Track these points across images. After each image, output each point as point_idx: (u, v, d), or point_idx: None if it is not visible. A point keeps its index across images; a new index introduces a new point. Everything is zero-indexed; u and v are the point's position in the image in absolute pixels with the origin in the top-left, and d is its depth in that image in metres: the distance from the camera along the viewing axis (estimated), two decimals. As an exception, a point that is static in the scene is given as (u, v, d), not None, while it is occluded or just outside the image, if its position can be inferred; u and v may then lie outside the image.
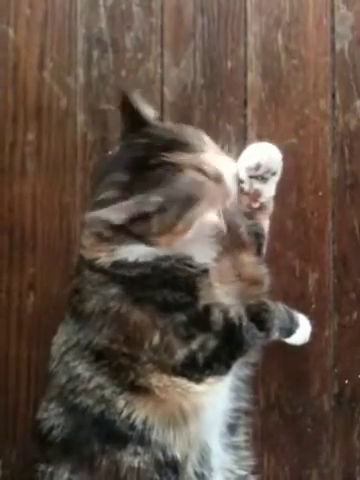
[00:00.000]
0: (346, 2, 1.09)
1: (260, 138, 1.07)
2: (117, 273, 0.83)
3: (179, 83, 1.09)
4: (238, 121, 1.09)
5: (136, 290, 0.83)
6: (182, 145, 0.84)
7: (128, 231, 0.81)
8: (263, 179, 0.88)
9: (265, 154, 0.88)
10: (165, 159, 0.82)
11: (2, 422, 1.08)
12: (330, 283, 1.08)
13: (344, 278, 1.08)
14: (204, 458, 0.86)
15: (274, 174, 0.89)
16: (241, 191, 0.88)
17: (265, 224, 0.93)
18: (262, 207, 0.91)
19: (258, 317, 0.86)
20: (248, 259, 0.90)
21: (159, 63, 1.09)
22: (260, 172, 0.87)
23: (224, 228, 0.85)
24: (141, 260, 0.83)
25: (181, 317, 0.82)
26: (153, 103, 1.07)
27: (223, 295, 0.85)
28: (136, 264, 0.83)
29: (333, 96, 1.09)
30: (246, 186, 0.87)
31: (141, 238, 0.82)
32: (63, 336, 0.88)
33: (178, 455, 0.84)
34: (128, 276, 0.83)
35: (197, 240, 0.84)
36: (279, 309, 0.90)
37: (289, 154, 1.07)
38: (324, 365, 1.07)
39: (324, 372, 1.07)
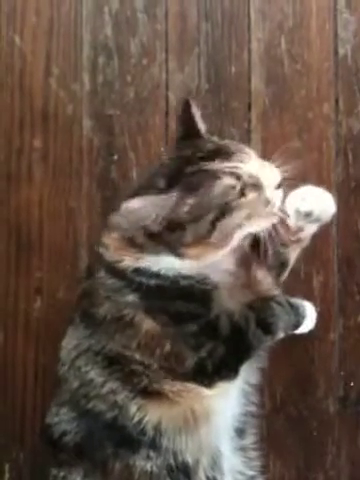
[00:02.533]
0: (349, 7, 1.10)
1: (264, 142, 1.09)
2: (135, 280, 0.83)
3: (184, 88, 1.10)
4: (242, 125, 1.10)
5: (151, 299, 0.83)
6: (223, 155, 0.82)
7: (162, 240, 0.81)
8: (309, 222, 0.89)
9: (320, 204, 0.89)
10: (203, 167, 0.81)
11: (9, 425, 1.09)
12: (335, 286, 1.08)
13: (349, 281, 1.08)
14: (215, 462, 0.87)
15: (321, 220, 0.89)
16: (283, 222, 0.87)
17: (293, 255, 0.93)
18: (299, 241, 0.91)
19: (264, 322, 0.86)
20: (265, 278, 0.89)
21: (164, 68, 1.10)
22: (310, 219, 0.88)
23: (246, 244, 0.86)
24: (163, 272, 0.83)
25: (192, 327, 0.83)
26: (158, 108, 1.09)
27: (232, 304, 0.86)
28: (157, 275, 0.83)
29: (336, 100, 1.10)
30: (291, 222, 0.88)
31: (173, 248, 0.81)
32: (73, 340, 0.88)
33: (190, 460, 0.85)
34: (145, 284, 0.83)
35: (218, 262, 0.84)
36: (285, 310, 0.90)
37: (293, 158, 1.09)
38: (329, 368, 1.08)
39: (329, 375, 1.08)
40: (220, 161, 0.81)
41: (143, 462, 0.83)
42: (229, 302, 0.85)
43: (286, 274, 0.94)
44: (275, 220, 0.83)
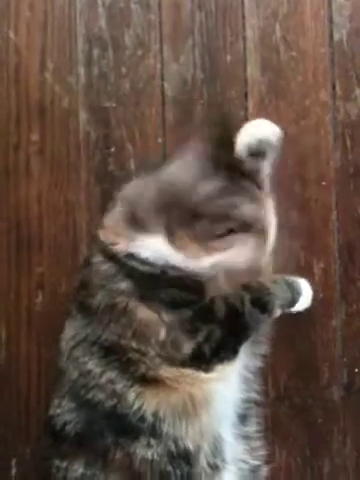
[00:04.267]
0: (343, -8, 1.10)
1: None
2: (128, 265, 0.83)
3: (179, 78, 1.10)
4: (239, 114, 1.09)
5: (144, 286, 0.83)
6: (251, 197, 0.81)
7: (167, 219, 0.79)
8: (263, 155, 0.84)
9: (263, 129, 0.85)
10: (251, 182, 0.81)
11: (14, 420, 1.09)
12: (336, 272, 1.08)
13: (350, 267, 1.08)
14: (217, 448, 0.87)
15: (274, 148, 0.85)
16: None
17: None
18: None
19: (259, 301, 0.86)
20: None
21: (159, 59, 1.10)
22: (262, 148, 0.83)
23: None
24: (152, 260, 0.83)
25: (187, 313, 0.83)
26: (154, 98, 1.09)
27: (227, 288, 0.85)
28: (146, 261, 0.83)
29: (333, 86, 1.09)
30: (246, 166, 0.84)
31: (173, 237, 0.80)
32: (71, 331, 0.88)
33: (191, 446, 0.85)
34: (138, 270, 0.83)
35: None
36: (281, 287, 0.90)
37: (291, 145, 1.08)
38: (333, 355, 1.08)
39: (333, 362, 1.08)
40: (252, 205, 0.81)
41: (143, 450, 0.83)
42: (225, 286, 0.84)
43: None
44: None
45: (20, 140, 1.10)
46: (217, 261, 0.81)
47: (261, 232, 0.82)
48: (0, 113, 1.10)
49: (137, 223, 0.82)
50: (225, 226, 0.79)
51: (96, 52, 1.10)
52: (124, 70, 1.10)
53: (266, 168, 0.87)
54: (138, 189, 0.84)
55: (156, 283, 0.83)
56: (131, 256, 0.83)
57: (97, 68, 1.10)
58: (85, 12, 1.10)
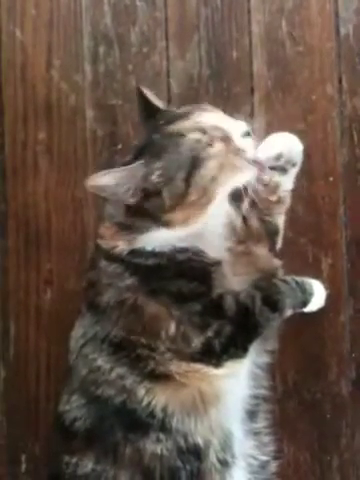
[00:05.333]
0: (349, -14, 1.09)
1: (268, 126, 1.08)
2: (133, 262, 0.84)
3: (185, 75, 1.10)
4: (246, 110, 1.09)
5: (151, 280, 0.84)
6: (183, 116, 0.85)
7: (144, 212, 0.83)
8: (283, 170, 0.88)
9: (287, 144, 0.88)
10: (166, 131, 0.83)
11: (24, 416, 1.10)
12: (344, 268, 1.08)
13: (358, 262, 1.08)
14: (227, 444, 0.87)
15: (294, 165, 0.89)
16: (260, 182, 0.87)
17: (280, 220, 0.93)
18: (280, 201, 0.91)
19: (270, 299, 0.87)
20: (262, 252, 0.90)
21: (165, 56, 1.10)
22: (281, 162, 0.87)
23: (238, 220, 0.85)
24: (158, 250, 0.84)
25: (196, 306, 0.83)
26: (160, 95, 1.08)
27: (236, 284, 0.86)
28: (153, 253, 0.84)
29: (340, 81, 1.09)
30: (267, 177, 0.87)
31: (157, 218, 0.83)
32: (80, 329, 0.89)
33: (200, 441, 0.85)
34: (144, 265, 0.84)
35: (210, 235, 0.85)
36: (291, 287, 0.91)
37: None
38: (341, 350, 1.08)
39: (341, 357, 1.08)
40: (182, 121, 0.83)
41: (153, 445, 0.83)
42: (233, 281, 0.85)
43: (280, 242, 0.94)
44: (252, 172, 0.84)
45: (27, 138, 1.10)
46: (210, 208, 0.82)
47: (224, 138, 0.82)
48: (7, 111, 1.11)
49: (129, 228, 0.85)
50: (179, 179, 0.81)
51: (102, 49, 1.11)
52: (130, 67, 1.10)
53: (287, 183, 0.89)
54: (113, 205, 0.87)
55: (163, 275, 0.84)
56: (134, 253, 0.85)
57: (103, 65, 1.10)
58: (91, 10, 1.11)
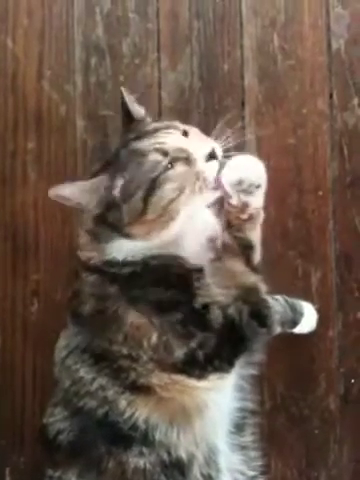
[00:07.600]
0: (341, 1, 1.10)
1: (259, 139, 1.08)
2: (109, 272, 0.85)
3: (177, 87, 1.10)
4: (236, 123, 1.09)
5: (130, 289, 0.84)
6: (150, 134, 0.86)
7: (107, 223, 0.84)
8: (249, 192, 0.87)
9: (246, 169, 0.86)
10: (131, 147, 0.85)
11: (9, 428, 1.08)
12: (333, 282, 1.07)
13: (347, 276, 1.07)
14: (211, 458, 0.86)
15: (258, 187, 0.87)
16: (229, 204, 0.87)
17: (255, 235, 0.91)
18: (251, 218, 0.89)
19: (258, 314, 0.86)
20: (238, 268, 0.89)
21: (156, 68, 1.10)
22: (244, 187, 0.86)
23: (214, 225, 0.86)
24: (129, 259, 0.84)
25: (177, 315, 0.83)
26: (151, 107, 1.08)
27: (221, 296, 0.85)
28: (125, 263, 0.84)
29: (331, 95, 1.09)
30: (233, 200, 0.87)
31: (118, 229, 0.84)
32: (64, 340, 0.88)
33: (184, 455, 0.84)
34: (121, 275, 0.84)
35: (191, 241, 0.85)
36: (280, 303, 0.90)
37: (288, 154, 1.08)
38: (329, 365, 1.07)
39: (330, 372, 1.07)
40: (147, 139, 0.85)
41: (136, 459, 0.82)
42: (218, 292, 0.84)
43: (258, 256, 0.92)
44: (213, 196, 0.86)
45: (17, 148, 1.10)
46: (174, 225, 0.84)
47: (186, 160, 0.84)
48: (-3, 120, 1.10)
49: (97, 237, 0.86)
50: (138, 198, 0.83)
51: (94, 60, 1.10)
52: (122, 78, 1.10)
53: (255, 202, 0.88)
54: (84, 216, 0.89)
55: (141, 283, 0.84)
56: (109, 263, 0.85)
57: (95, 76, 1.10)
58: (83, 20, 1.11)
